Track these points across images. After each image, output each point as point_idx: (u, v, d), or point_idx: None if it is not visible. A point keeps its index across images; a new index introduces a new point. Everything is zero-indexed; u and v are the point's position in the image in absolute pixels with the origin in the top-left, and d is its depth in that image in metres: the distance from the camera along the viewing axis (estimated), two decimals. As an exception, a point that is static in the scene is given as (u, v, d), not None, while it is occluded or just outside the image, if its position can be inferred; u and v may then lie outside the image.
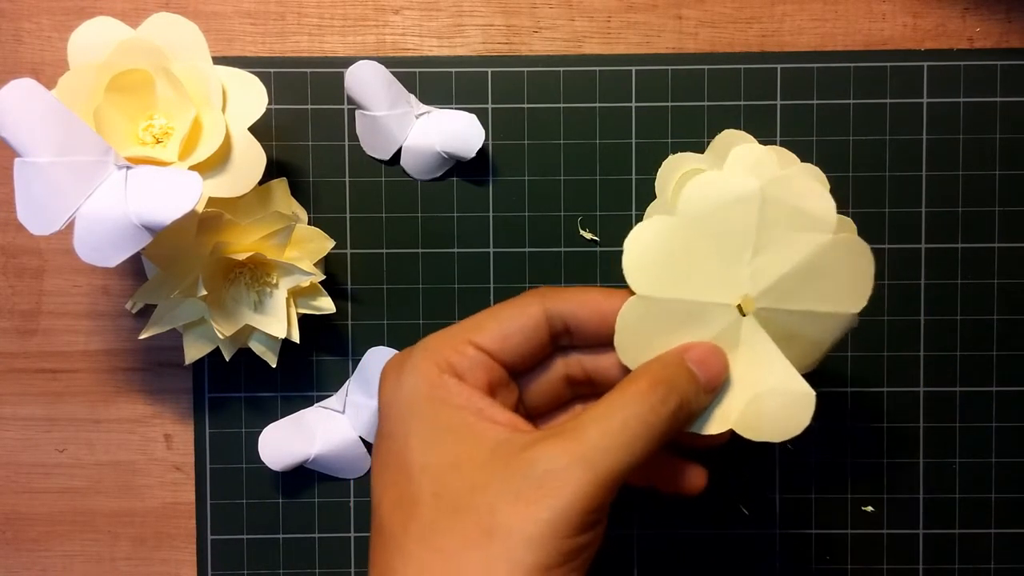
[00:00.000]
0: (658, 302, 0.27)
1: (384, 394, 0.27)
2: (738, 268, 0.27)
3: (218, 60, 0.35)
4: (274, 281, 0.36)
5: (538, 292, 0.28)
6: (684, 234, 0.27)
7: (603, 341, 0.27)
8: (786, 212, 0.26)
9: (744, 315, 0.27)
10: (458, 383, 0.26)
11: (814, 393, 0.26)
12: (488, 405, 0.26)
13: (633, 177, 0.39)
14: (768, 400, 0.27)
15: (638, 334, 0.27)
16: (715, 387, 0.27)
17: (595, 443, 0.24)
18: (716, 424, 0.27)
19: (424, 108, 0.38)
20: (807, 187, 0.27)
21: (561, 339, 0.28)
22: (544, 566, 0.23)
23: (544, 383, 0.29)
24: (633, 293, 0.27)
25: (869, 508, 0.40)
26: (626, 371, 0.27)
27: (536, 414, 0.29)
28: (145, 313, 0.39)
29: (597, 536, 0.24)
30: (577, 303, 0.27)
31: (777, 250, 0.27)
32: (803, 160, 0.38)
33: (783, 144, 0.39)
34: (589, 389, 0.29)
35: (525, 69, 0.39)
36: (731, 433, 0.27)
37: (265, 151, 0.35)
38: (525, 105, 0.39)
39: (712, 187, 0.27)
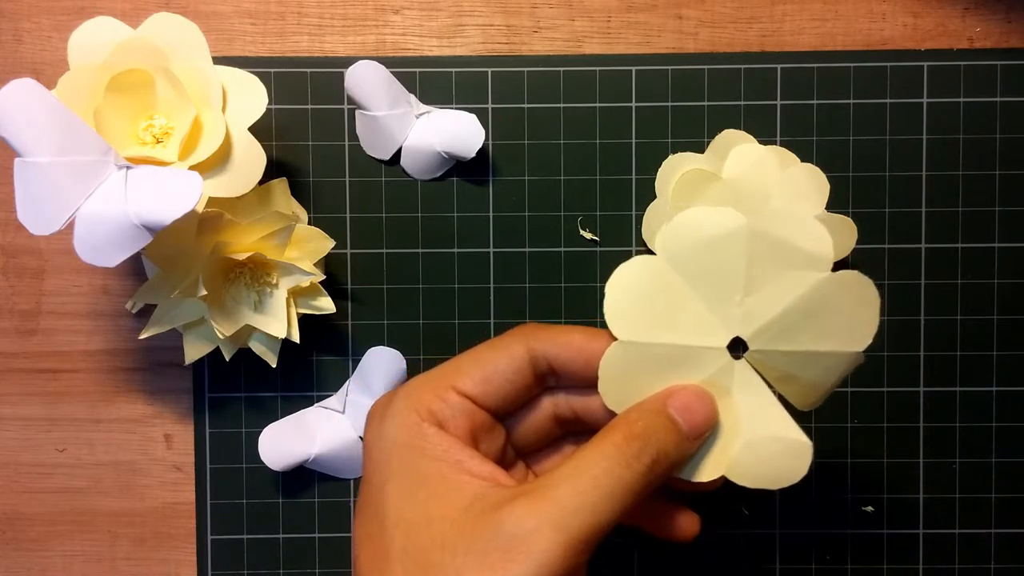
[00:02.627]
0: (642, 347, 0.25)
1: (367, 438, 0.26)
2: (728, 309, 0.25)
3: (218, 60, 0.35)
4: (274, 281, 0.36)
5: (521, 332, 0.27)
6: (668, 275, 0.25)
7: (589, 382, 0.26)
8: (776, 248, 0.25)
9: (736, 358, 0.26)
10: (438, 432, 0.25)
11: (810, 443, 0.25)
12: (468, 457, 0.25)
13: (633, 177, 0.39)
14: (763, 447, 0.25)
15: (622, 380, 0.26)
16: (700, 434, 0.25)
17: (564, 504, 0.22)
18: (708, 470, 0.26)
19: (424, 108, 0.38)
20: (798, 220, 0.25)
21: (547, 379, 0.27)
22: None
23: (532, 423, 0.28)
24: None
25: (869, 508, 0.40)
26: (613, 413, 0.26)
27: (527, 452, 0.29)
28: (145, 313, 0.39)
29: None
30: (560, 345, 0.26)
31: (769, 289, 0.25)
32: (803, 160, 0.38)
33: (783, 144, 0.39)
34: (579, 427, 0.28)
35: (525, 69, 0.39)
36: (724, 479, 0.26)
37: (265, 151, 0.35)
38: (525, 105, 0.39)
39: (696, 224, 0.25)
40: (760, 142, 0.38)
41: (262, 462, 0.38)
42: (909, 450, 0.40)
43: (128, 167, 0.30)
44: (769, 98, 0.39)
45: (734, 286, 0.25)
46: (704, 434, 0.25)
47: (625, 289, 0.25)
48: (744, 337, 0.25)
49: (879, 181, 0.39)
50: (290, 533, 0.40)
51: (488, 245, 0.40)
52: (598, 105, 0.39)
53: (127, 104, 0.34)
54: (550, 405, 0.28)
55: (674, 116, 0.39)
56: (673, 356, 0.25)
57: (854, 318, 0.25)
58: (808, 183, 0.37)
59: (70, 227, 0.29)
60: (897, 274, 0.39)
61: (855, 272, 0.25)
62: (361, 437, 0.39)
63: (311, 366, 0.40)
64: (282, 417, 0.39)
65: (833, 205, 0.37)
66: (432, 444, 0.25)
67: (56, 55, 0.39)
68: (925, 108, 0.39)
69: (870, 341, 0.25)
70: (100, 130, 0.33)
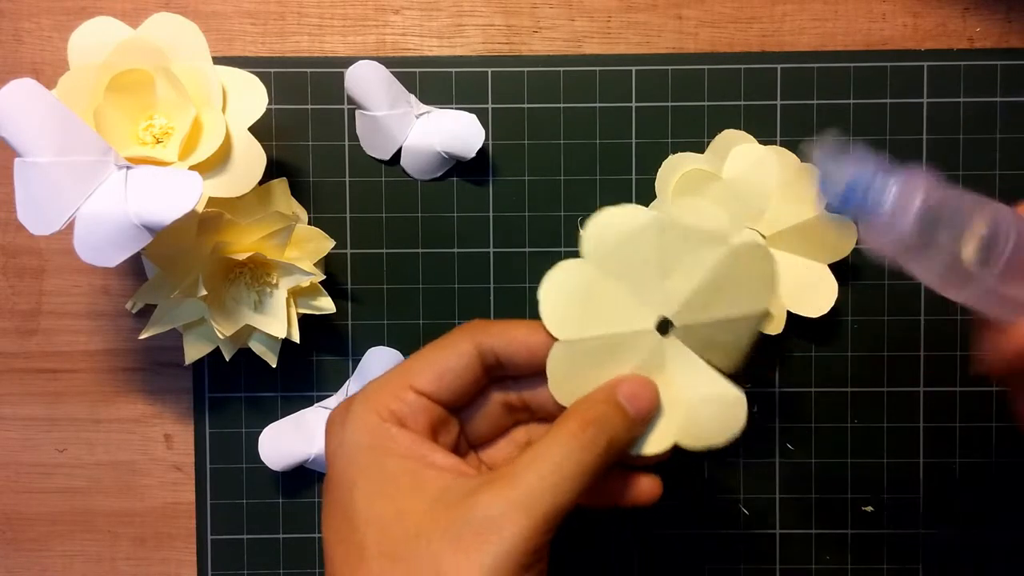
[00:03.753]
0: (581, 342, 0.28)
1: (330, 445, 0.27)
2: (651, 294, 0.28)
3: (218, 60, 0.35)
4: (274, 281, 0.36)
5: (467, 328, 0.28)
6: (594, 273, 0.28)
7: (535, 371, 0.28)
8: (685, 233, 0.28)
9: (665, 336, 0.28)
10: (400, 430, 0.26)
11: (743, 394, 0.28)
12: (430, 451, 0.26)
13: (633, 177, 0.39)
14: (702, 408, 0.28)
15: (569, 375, 0.28)
16: (646, 418, 0.28)
17: (530, 488, 0.24)
18: (655, 444, 0.28)
19: (424, 108, 0.38)
20: (695, 206, 0.28)
21: (494, 371, 0.28)
22: None
23: (484, 414, 0.30)
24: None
25: (869, 508, 0.40)
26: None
27: (479, 443, 0.30)
28: (145, 313, 0.39)
29: (539, 574, 0.25)
30: (506, 339, 0.28)
31: (684, 270, 0.28)
32: (803, 160, 0.38)
33: (783, 144, 0.39)
34: (528, 415, 0.30)
35: (525, 69, 0.39)
36: (674, 448, 0.28)
37: (265, 151, 0.35)
38: (525, 105, 0.39)
39: (611, 224, 0.28)
40: (760, 142, 0.38)
41: (262, 462, 0.38)
42: (909, 450, 0.40)
43: (128, 167, 0.30)
44: (769, 98, 0.39)
45: (652, 273, 0.28)
46: (648, 418, 0.28)
47: (557, 292, 0.28)
48: (669, 316, 0.28)
49: (879, 181, 0.39)
50: (290, 533, 0.40)
51: (488, 245, 0.40)
52: (598, 105, 0.39)
53: (127, 104, 0.34)
54: (500, 396, 0.30)
55: (674, 116, 0.39)
56: (610, 345, 0.28)
57: (755, 281, 0.28)
58: (807, 184, 0.37)
59: (70, 227, 0.29)
60: (897, 274, 0.39)
61: (749, 241, 0.28)
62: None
63: (311, 366, 0.40)
64: (282, 417, 0.39)
65: (833, 205, 0.37)
66: (396, 443, 0.26)
67: (56, 55, 0.39)
68: (925, 108, 0.39)
69: (771, 299, 0.28)
70: (100, 130, 0.33)
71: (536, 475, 0.25)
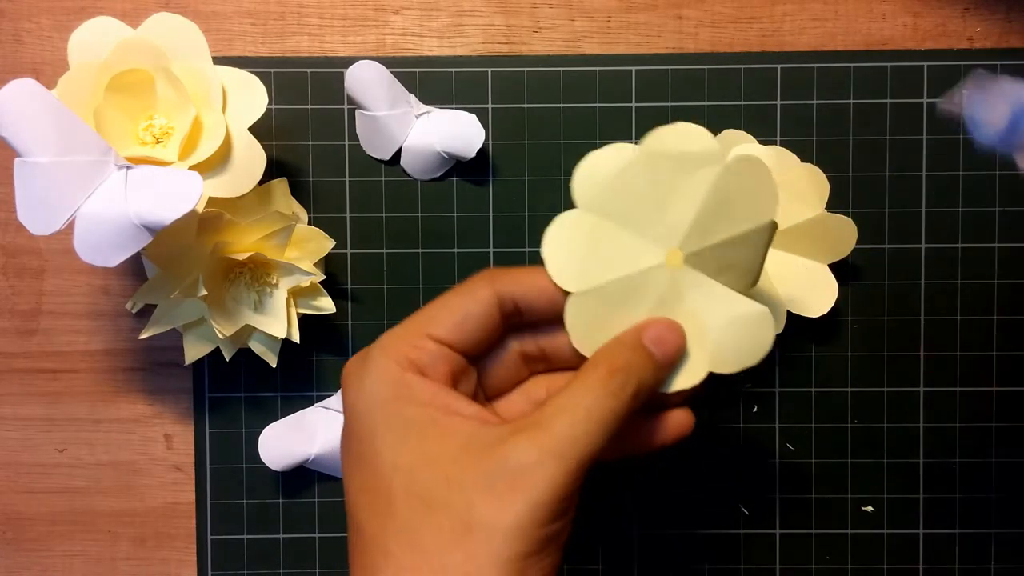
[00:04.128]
0: (596, 291, 0.27)
1: (348, 397, 0.27)
2: (653, 229, 0.28)
3: (218, 60, 0.35)
4: (274, 281, 0.36)
5: (486, 276, 0.28)
6: (591, 220, 0.28)
7: (554, 319, 0.28)
8: (674, 162, 0.27)
9: (679, 267, 0.28)
10: (421, 380, 0.26)
11: (767, 309, 0.27)
12: (454, 399, 0.26)
13: (633, 177, 0.39)
14: (729, 332, 0.28)
15: (589, 324, 0.28)
16: (673, 360, 0.27)
17: (563, 435, 0.24)
18: (687, 378, 0.28)
19: (424, 108, 0.38)
20: (679, 130, 0.28)
21: (513, 319, 0.28)
22: (524, 555, 0.24)
23: (500, 364, 0.29)
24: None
25: (869, 508, 0.40)
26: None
27: (494, 394, 0.30)
28: (145, 313, 0.39)
29: (569, 521, 0.25)
30: (526, 286, 0.27)
31: (681, 197, 0.27)
32: (803, 160, 0.38)
33: (783, 144, 0.39)
34: (545, 365, 0.30)
35: (525, 69, 0.39)
36: (708, 376, 0.28)
37: (265, 151, 0.35)
38: (525, 105, 0.39)
39: (597, 166, 0.28)
40: (760, 142, 0.38)
41: (262, 462, 0.38)
42: (909, 450, 0.40)
43: (128, 167, 0.30)
44: (769, 98, 0.39)
45: (650, 207, 0.27)
46: (676, 358, 0.27)
47: (559, 246, 0.28)
48: (675, 246, 0.28)
49: (879, 181, 0.39)
50: (290, 533, 0.40)
51: (488, 245, 0.40)
52: (598, 105, 0.39)
53: (127, 104, 0.34)
54: (516, 345, 0.29)
55: (674, 116, 0.39)
56: (625, 288, 0.28)
57: (756, 194, 0.27)
58: (808, 183, 0.37)
59: (70, 227, 0.29)
60: (897, 274, 0.39)
61: (742, 156, 0.27)
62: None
63: (311, 366, 0.40)
64: (282, 417, 0.39)
65: (833, 205, 0.37)
66: (418, 391, 0.26)
67: (56, 55, 0.39)
68: (925, 108, 0.39)
69: (776, 208, 0.27)
70: (100, 130, 0.33)
71: (567, 422, 0.24)
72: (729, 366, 0.28)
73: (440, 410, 0.26)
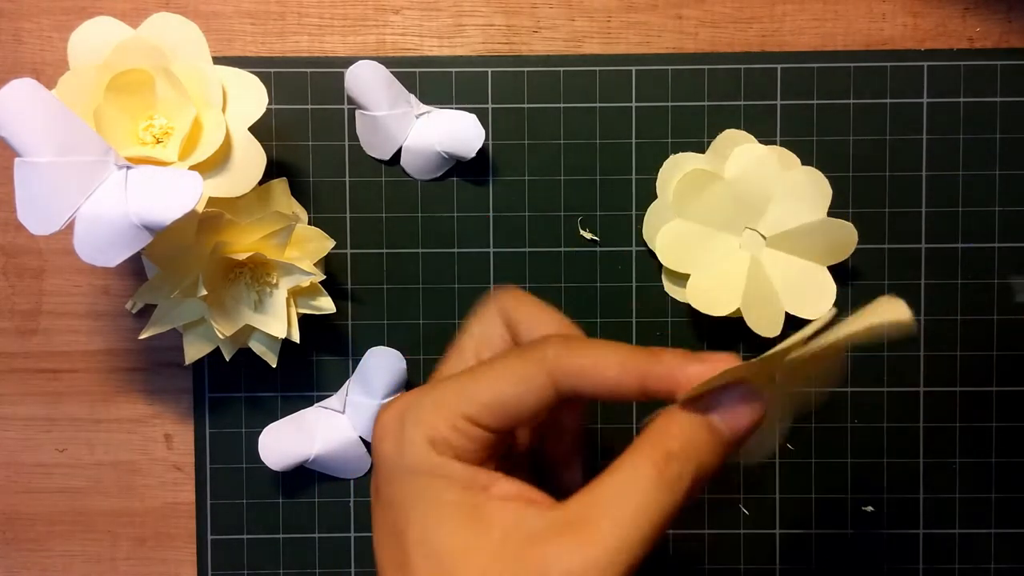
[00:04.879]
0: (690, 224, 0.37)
1: (381, 456, 0.25)
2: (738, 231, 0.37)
3: (218, 60, 0.35)
4: (274, 281, 0.36)
5: (543, 357, 0.24)
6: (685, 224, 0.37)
7: (621, 400, 0.25)
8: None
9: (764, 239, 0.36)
10: (458, 465, 0.24)
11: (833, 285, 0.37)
12: (492, 481, 0.24)
13: (633, 177, 0.39)
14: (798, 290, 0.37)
15: (674, 244, 0.37)
16: (742, 440, 0.24)
17: (610, 544, 0.22)
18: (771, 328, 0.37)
19: (424, 108, 0.38)
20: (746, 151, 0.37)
21: (569, 398, 0.25)
22: None
23: (552, 425, 0.28)
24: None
25: (869, 508, 0.40)
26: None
27: (549, 448, 0.28)
28: (145, 313, 0.39)
29: None
30: (593, 383, 0.24)
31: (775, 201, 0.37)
32: (803, 160, 0.38)
33: (783, 144, 0.39)
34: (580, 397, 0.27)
35: (525, 69, 0.39)
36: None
37: (265, 151, 0.35)
38: (525, 105, 0.39)
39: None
40: (760, 142, 0.38)
41: (262, 462, 0.38)
42: (909, 450, 0.40)
43: (128, 167, 0.30)
44: (769, 98, 0.39)
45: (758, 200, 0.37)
46: (752, 431, 0.24)
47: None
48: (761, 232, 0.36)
49: (879, 181, 0.39)
50: (290, 533, 0.40)
51: (488, 245, 0.40)
52: (598, 105, 0.39)
53: (127, 104, 0.34)
54: (571, 413, 0.28)
55: (674, 116, 0.39)
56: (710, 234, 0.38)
57: (814, 197, 0.37)
58: (810, 187, 0.37)
59: (70, 227, 0.29)
60: (897, 274, 0.39)
61: (808, 168, 0.36)
62: (362, 438, 0.39)
63: (311, 366, 0.40)
64: (282, 417, 0.39)
65: (833, 205, 0.37)
66: (455, 475, 0.24)
67: (56, 55, 0.39)
68: (925, 108, 0.39)
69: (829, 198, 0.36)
70: (100, 130, 0.33)
71: (616, 526, 0.22)
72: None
73: (480, 494, 0.23)
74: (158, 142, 0.34)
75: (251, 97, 0.34)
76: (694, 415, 0.24)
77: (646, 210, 0.39)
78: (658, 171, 0.39)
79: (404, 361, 0.38)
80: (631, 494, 0.22)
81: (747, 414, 0.24)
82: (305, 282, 0.36)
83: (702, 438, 0.23)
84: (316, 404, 0.40)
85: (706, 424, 0.23)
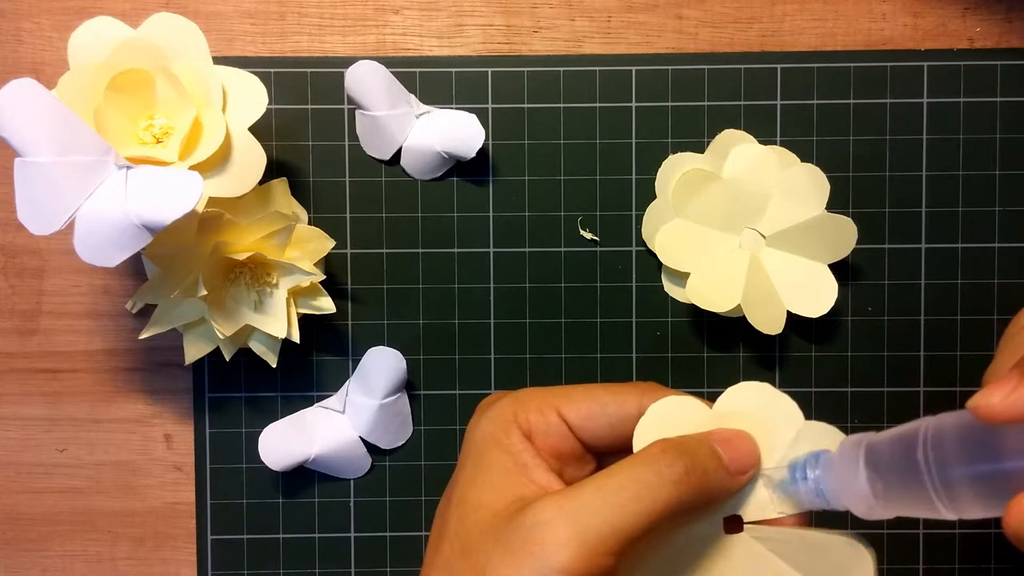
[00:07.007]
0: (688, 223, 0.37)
1: (470, 424, 0.28)
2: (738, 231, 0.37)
3: (218, 60, 0.35)
4: (274, 281, 0.36)
5: (642, 389, 0.27)
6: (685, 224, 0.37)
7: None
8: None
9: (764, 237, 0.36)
10: (520, 436, 0.26)
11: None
12: (535, 464, 0.26)
13: (633, 177, 0.39)
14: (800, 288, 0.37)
15: (673, 243, 0.37)
16: (741, 469, 0.25)
17: (584, 501, 0.23)
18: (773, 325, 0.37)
19: (424, 108, 0.38)
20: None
21: None
22: None
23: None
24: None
25: (869, 508, 0.40)
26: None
27: None
28: (145, 313, 0.39)
29: None
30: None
31: (776, 205, 0.37)
32: (803, 160, 0.38)
33: (783, 144, 0.39)
34: None
35: (525, 69, 0.39)
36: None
37: (265, 151, 0.35)
38: (525, 105, 0.39)
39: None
40: (760, 142, 0.38)
41: (262, 462, 0.38)
42: (909, 450, 0.40)
43: (128, 167, 0.30)
44: (769, 98, 0.39)
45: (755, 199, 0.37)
46: (744, 470, 0.26)
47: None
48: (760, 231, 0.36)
49: (879, 181, 0.39)
50: (290, 533, 0.40)
51: (488, 245, 0.40)
52: (598, 105, 0.39)
53: (127, 104, 0.34)
54: None
55: (674, 116, 0.39)
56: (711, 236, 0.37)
57: (812, 193, 0.37)
58: (808, 183, 0.37)
59: (70, 227, 0.29)
60: (897, 274, 0.39)
61: (806, 164, 0.36)
62: (362, 438, 0.39)
63: (311, 366, 0.40)
64: (282, 417, 0.39)
65: (833, 205, 0.37)
66: (510, 441, 0.26)
67: (56, 55, 0.39)
68: (925, 108, 0.39)
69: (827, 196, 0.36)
70: (100, 130, 0.33)
71: (594, 489, 0.23)
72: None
73: (516, 464, 0.26)
74: (158, 142, 0.34)
75: (251, 97, 0.34)
76: (697, 436, 0.26)
77: (646, 210, 0.39)
78: (658, 171, 0.39)
79: (404, 361, 0.38)
80: (620, 470, 0.24)
81: (742, 446, 0.26)
82: (305, 282, 0.36)
83: (703, 449, 0.25)
84: (316, 404, 0.40)
85: (707, 443, 0.25)
